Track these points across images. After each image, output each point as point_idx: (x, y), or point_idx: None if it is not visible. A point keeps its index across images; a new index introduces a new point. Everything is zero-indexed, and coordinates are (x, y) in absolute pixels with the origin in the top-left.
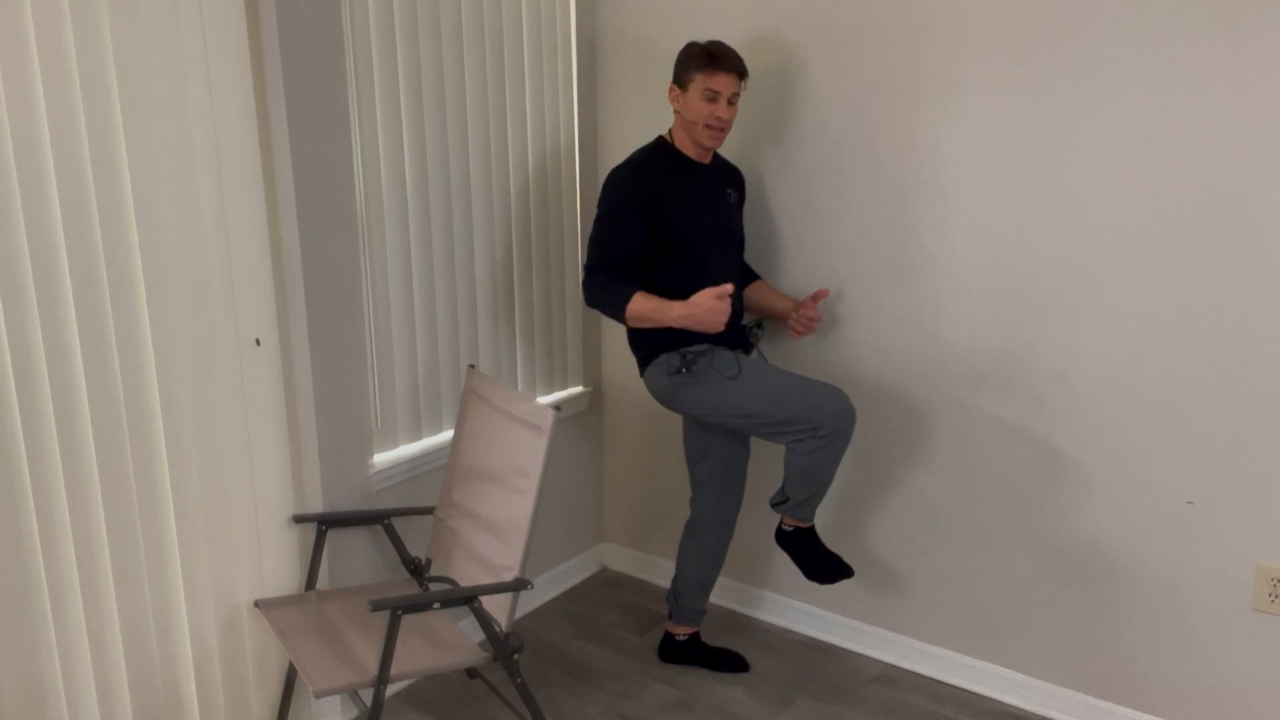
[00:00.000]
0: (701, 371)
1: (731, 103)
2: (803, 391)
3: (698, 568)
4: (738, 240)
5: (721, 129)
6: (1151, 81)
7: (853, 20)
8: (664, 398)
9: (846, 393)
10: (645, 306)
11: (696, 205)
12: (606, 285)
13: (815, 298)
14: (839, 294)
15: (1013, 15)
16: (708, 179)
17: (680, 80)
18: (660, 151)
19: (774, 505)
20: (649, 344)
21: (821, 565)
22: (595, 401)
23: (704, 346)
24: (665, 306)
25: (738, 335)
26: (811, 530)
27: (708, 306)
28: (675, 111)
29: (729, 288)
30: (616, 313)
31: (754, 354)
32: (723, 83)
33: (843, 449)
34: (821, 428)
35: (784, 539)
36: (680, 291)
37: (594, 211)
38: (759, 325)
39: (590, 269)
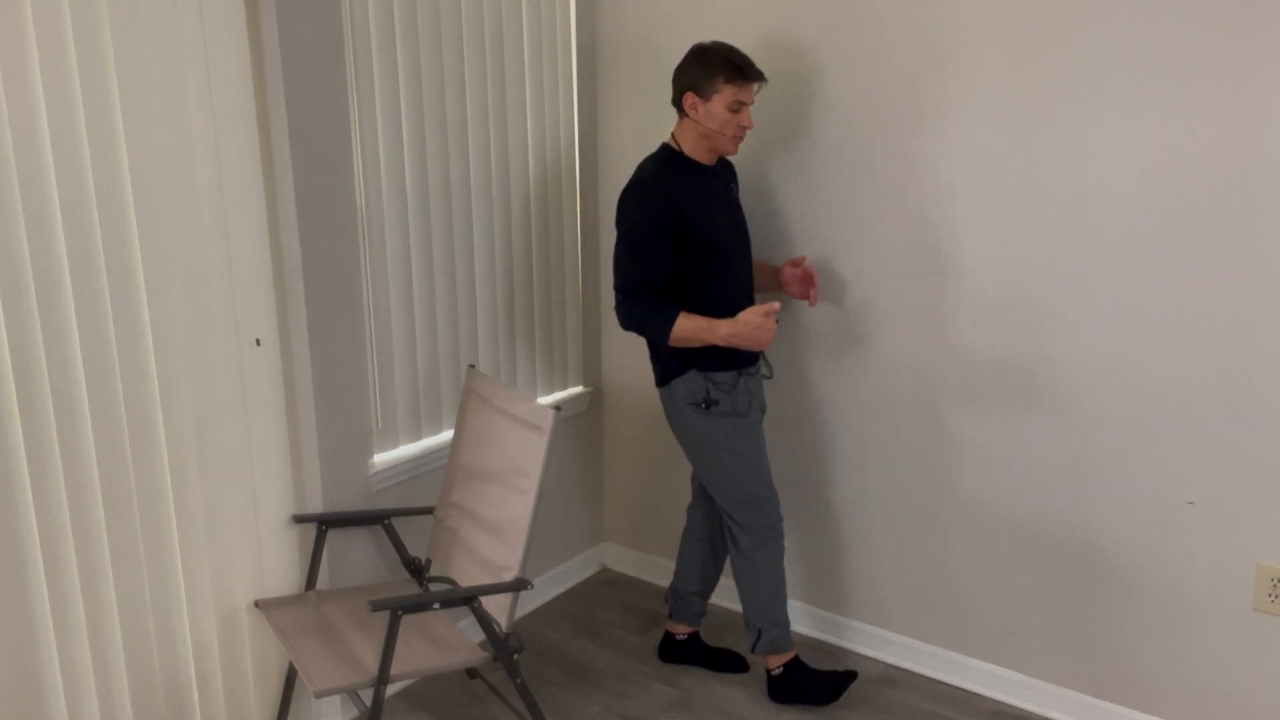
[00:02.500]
0: (719, 413)
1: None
2: (765, 479)
3: (697, 571)
4: (747, 238)
5: (743, 137)
6: (1156, 84)
7: (856, 22)
8: (672, 415)
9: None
10: (690, 327)
11: (714, 210)
12: (647, 308)
13: (794, 264)
14: (840, 295)
15: (1021, 18)
16: (716, 180)
17: (700, 89)
18: (671, 161)
19: (754, 650)
20: (678, 360)
21: (828, 686)
22: (595, 401)
23: (731, 377)
24: (713, 326)
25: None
26: (797, 658)
27: (756, 324)
28: (689, 119)
29: (776, 306)
30: (659, 336)
31: (760, 364)
32: (749, 93)
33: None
34: (779, 523)
35: (779, 687)
36: (711, 298)
37: (595, 211)
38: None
39: (624, 291)
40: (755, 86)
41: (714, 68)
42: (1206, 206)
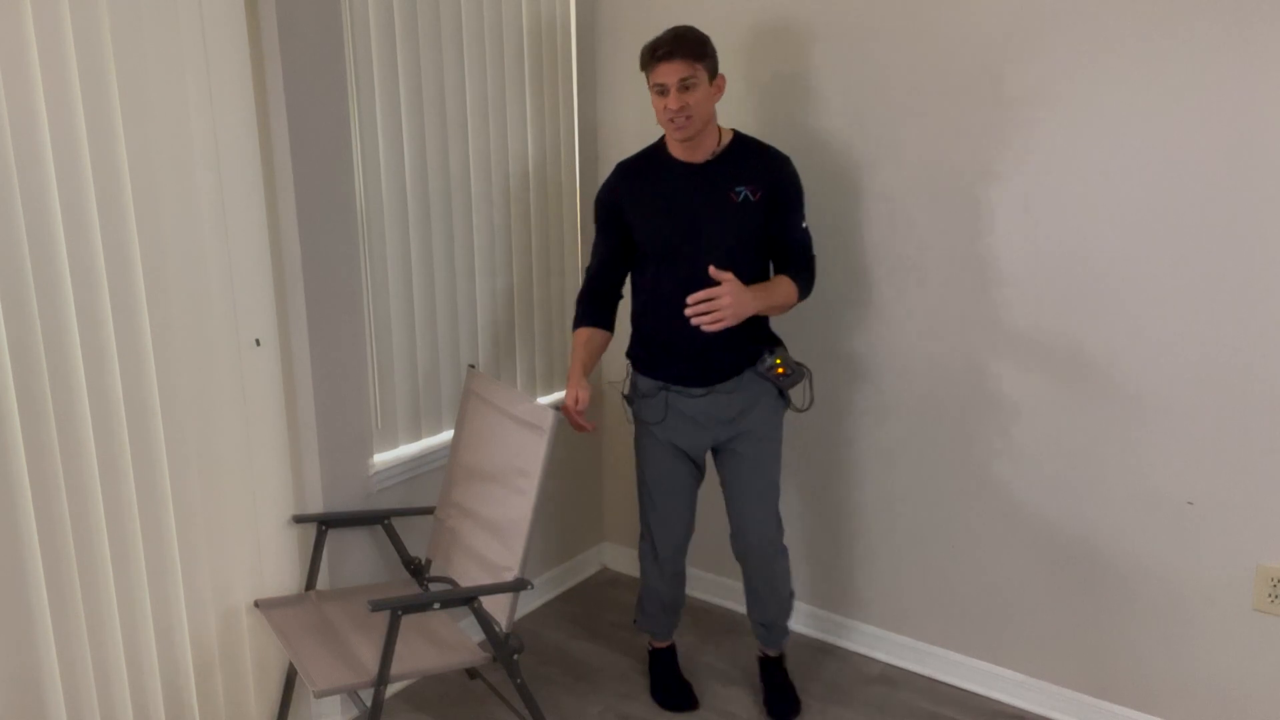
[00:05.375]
0: (636, 411)
1: (687, 89)
2: (649, 496)
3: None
4: (739, 243)
5: (685, 118)
6: (1159, 79)
7: (867, 5)
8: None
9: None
10: (575, 344)
11: (666, 209)
12: (582, 300)
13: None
14: (835, 297)
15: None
16: (698, 179)
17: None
18: (648, 155)
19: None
20: (632, 347)
21: (671, 692)
22: (595, 401)
23: (650, 386)
24: (572, 364)
25: (705, 368)
26: (657, 651)
27: (568, 402)
28: None
29: (582, 405)
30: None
31: (785, 400)
32: (664, 72)
33: None
34: (647, 541)
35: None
36: (640, 299)
37: (593, 210)
38: (771, 352)
39: (586, 272)
40: (690, 67)
41: (640, 59)
42: (1205, 205)
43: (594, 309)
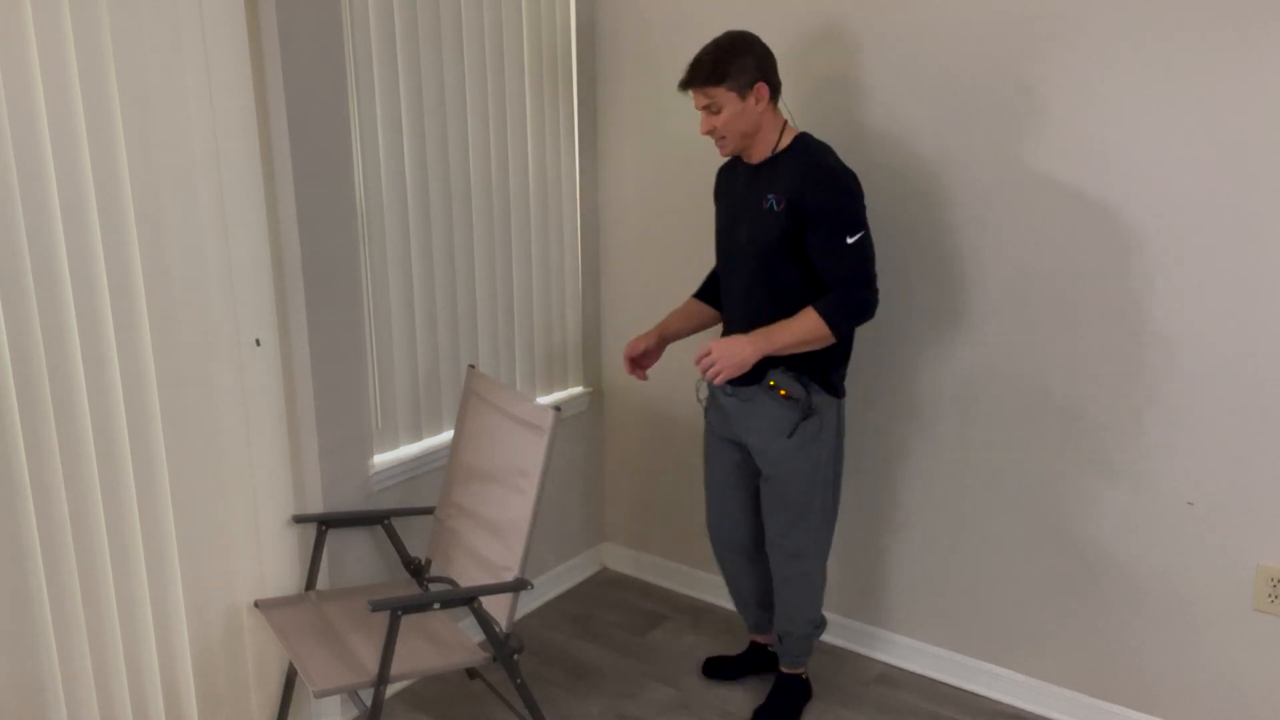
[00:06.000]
0: (705, 400)
1: (714, 112)
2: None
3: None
4: (764, 251)
5: (722, 138)
6: (1149, 74)
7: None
8: None
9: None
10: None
11: (729, 207)
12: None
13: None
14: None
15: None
16: (749, 181)
17: None
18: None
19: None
20: None
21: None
22: (595, 401)
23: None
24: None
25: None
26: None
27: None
28: None
29: (632, 352)
30: None
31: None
32: (694, 99)
33: None
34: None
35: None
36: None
37: (595, 209)
38: (773, 372)
39: None
40: (711, 92)
41: None
42: (1202, 202)
43: (706, 284)
